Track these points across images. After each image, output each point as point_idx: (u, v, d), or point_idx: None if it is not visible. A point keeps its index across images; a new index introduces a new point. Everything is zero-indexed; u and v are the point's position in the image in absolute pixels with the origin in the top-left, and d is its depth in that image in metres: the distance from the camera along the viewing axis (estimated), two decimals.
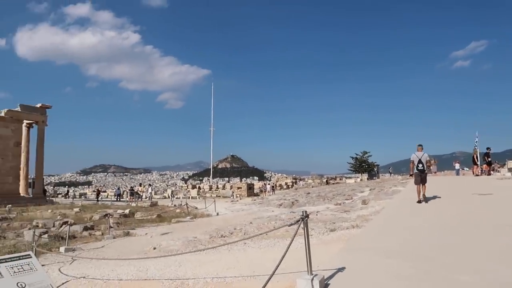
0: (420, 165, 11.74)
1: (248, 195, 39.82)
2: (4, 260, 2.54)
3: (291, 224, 4.56)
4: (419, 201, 11.45)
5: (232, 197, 38.87)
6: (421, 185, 11.61)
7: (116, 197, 41.41)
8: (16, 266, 2.53)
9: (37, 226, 15.55)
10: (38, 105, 32.76)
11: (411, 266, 4.71)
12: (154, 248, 9.30)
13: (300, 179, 58.08)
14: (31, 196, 31.96)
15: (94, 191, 53.52)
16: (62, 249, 9.68)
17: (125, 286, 5.50)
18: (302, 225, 4.31)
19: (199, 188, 49.59)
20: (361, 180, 49.60)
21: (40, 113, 32.68)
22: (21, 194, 31.52)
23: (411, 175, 12.89)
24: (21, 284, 2.43)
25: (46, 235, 12.02)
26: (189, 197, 41.19)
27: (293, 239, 4.60)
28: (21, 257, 2.67)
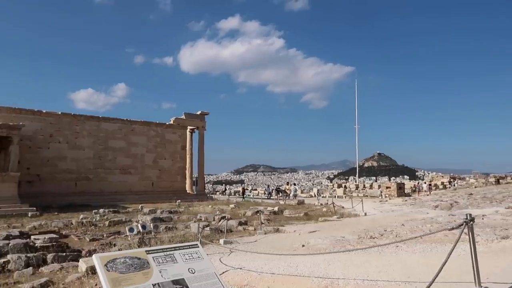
0: None
1: (398, 195, 37.51)
2: (178, 248, 2.97)
3: (452, 228, 4.10)
4: None
5: (380, 197, 37.16)
6: None
7: (267, 195, 43.71)
8: (187, 254, 2.93)
9: (201, 219, 17.53)
10: (198, 112, 36.99)
11: None
12: (303, 246, 9.50)
13: (459, 178, 51.98)
14: (195, 193, 36.25)
15: (246, 189, 57.70)
16: (221, 241, 10.67)
17: (277, 280, 5.75)
18: (465, 230, 3.83)
19: (345, 187, 48.83)
20: None
21: (200, 119, 36.86)
22: (187, 191, 36.04)
23: None
24: (191, 270, 2.78)
25: (208, 228, 13.43)
26: (335, 196, 40.92)
27: (455, 245, 4.13)
28: (191, 246, 3.07)
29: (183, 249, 2.98)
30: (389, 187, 41.44)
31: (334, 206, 20.64)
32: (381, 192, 40.12)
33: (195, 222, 15.66)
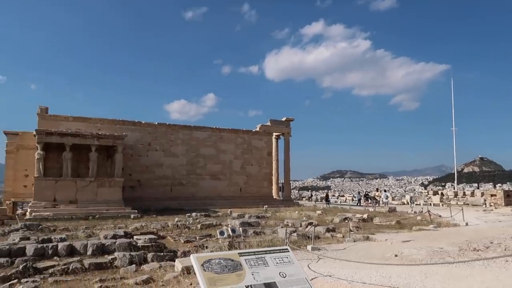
0: None
1: (506, 204, 33.64)
2: (269, 252, 3.01)
3: None
4: None
5: (484, 206, 33.72)
6: None
7: (357, 201, 42.25)
8: (278, 258, 2.95)
9: (287, 225, 17.57)
10: (284, 119, 37.29)
11: None
12: (396, 256, 9.00)
13: None
14: (282, 198, 36.49)
15: (332, 195, 56.46)
16: (309, 247, 10.57)
17: None
18: None
19: (442, 194, 45.20)
20: None
21: (285, 126, 37.13)
22: (274, 197, 36.43)
23: None
24: (282, 274, 2.80)
25: (295, 234, 13.41)
26: (430, 204, 38.12)
27: None
28: (281, 250, 3.10)
29: (274, 253, 3.01)
30: (495, 195, 37.39)
31: (430, 215, 19.24)
32: (485, 200, 36.37)
33: (282, 227, 15.75)
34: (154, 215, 22.75)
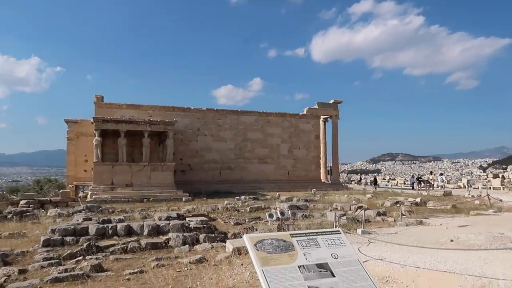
0: None
1: None
2: (320, 233, 3.02)
3: None
4: None
5: None
6: None
7: (410, 185, 40.91)
8: (330, 240, 2.95)
9: (336, 208, 17.40)
10: (331, 101, 36.62)
11: None
12: (451, 241, 8.65)
13: None
14: (330, 182, 36.16)
15: (383, 179, 55.05)
16: (359, 231, 10.42)
17: (422, 274, 5.37)
18: None
19: (503, 177, 42.62)
20: None
21: (333, 108, 36.49)
22: (322, 180, 36.17)
23: None
24: (334, 255, 2.80)
25: (344, 217, 13.27)
26: (489, 187, 36.10)
27: None
28: (332, 232, 3.09)
29: (326, 234, 3.02)
30: None
31: (489, 199, 18.24)
32: None
33: (331, 211, 15.64)
34: (204, 198, 23.44)
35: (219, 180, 31.33)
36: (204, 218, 12.85)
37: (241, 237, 10.26)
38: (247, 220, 14.63)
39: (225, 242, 9.45)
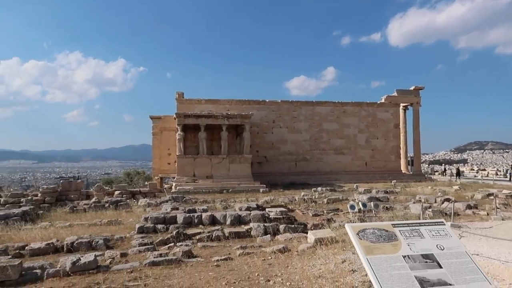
0: None
1: None
2: (423, 224, 2.94)
3: None
4: None
5: None
6: None
7: (508, 176, 37.42)
8: (434, 230, 2.86)
9: (420, 200, 16.57)
10: (412, 88, 34.69)
11: None
12: None
13: None
14: (411, 173, 34.42)
15: (471, 169, 50.89)
16: (447, 224, 9.85)
17: None
18: None
19: None
20: None
21: (414, 95, 34.55)
22: (402, 171, 34.56)
23: None
24: (440, 246, 2.71)
25: (429, 210, 12.61)
26: None
27: None
28: (436, 223, 2.98)
29: (429, 225, 2.93)
30: None
31: None
32: None
33: (414, 203, 14.95)
34: (281, 190, 23.70)
35: (294, 171, 31.44)
36: (284, 209, 13.03)
37: (321, 228, 10.25)
38: (325, 212, 14.54)
39: (305, 233, 9.50)
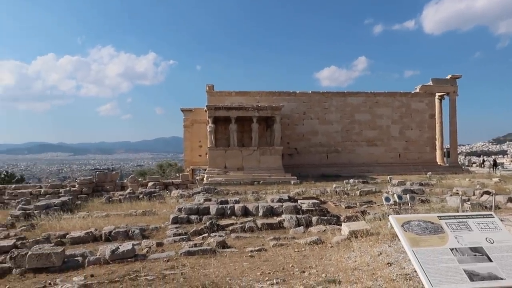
0: None
1: None
2: (471, 216, 2.84)
3: None
4: None
5: None
6: None
7: None
8: (482, 223, 2.77)
9: (457, 193, 16.04)
10: (448, 77, 33.41)
11: None
12: None
13: None
14: (447, 164, 33.34)
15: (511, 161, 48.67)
16: (497, 217, 9.49)
17: None
18: None
19: None
20: None
21: (450, 84, 33.29)
22: (438, 163, 33.53)
23: None
24: (489, 240, 2.61)
25: (468, 203, 12.18)
26: None
27: None
28: (485, 216, 2.88)
29: (477, 218, 2.83)
30: None
31: None
32: None
33: (451, 195, 14.48)
34: (312, 181, 23.55)
35: (326, 163, 31.14)
36: (316, 201, 12.95)
37: (354, 220, 10.11)
38: (358, 204, 14.34)
39: (339, 225, 9.41)
